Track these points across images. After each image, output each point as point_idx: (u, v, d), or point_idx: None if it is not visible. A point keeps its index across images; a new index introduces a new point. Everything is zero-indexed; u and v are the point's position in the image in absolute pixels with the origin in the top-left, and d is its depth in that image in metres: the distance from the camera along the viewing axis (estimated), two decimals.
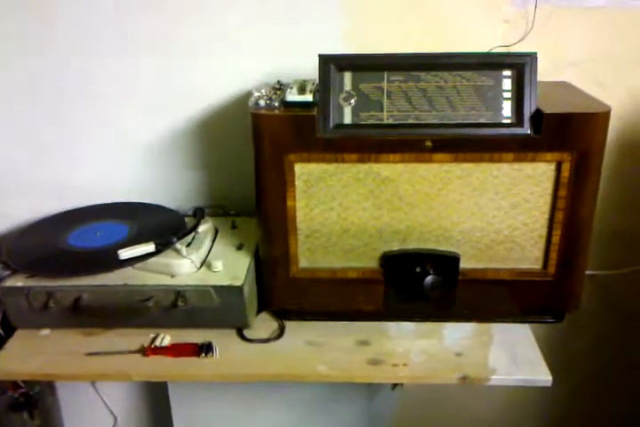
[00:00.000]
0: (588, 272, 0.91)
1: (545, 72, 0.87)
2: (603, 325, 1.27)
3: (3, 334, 0.94)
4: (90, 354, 0.89)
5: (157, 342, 0.90)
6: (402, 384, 1.20)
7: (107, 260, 0.90)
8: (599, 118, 0.80)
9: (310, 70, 0.83)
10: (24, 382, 1.02)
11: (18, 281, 0.91)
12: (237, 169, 1.08)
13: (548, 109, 0.80)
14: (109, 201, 1.10)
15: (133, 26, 1.00)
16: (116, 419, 1.35)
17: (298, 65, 0.99)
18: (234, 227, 1.05)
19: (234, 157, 1.08)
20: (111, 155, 1.10)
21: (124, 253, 0.89)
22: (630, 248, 1.17)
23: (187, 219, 1.03)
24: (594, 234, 0.88)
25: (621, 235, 1.16)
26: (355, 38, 1.00)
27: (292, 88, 0.86)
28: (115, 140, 1.09)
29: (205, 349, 0.89)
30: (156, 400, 1.33)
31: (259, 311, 0.97)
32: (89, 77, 1.04)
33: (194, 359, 0.88)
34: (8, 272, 0.92)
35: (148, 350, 0.89)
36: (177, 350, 0.89)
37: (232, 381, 0.91)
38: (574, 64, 1.01)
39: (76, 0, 0.98)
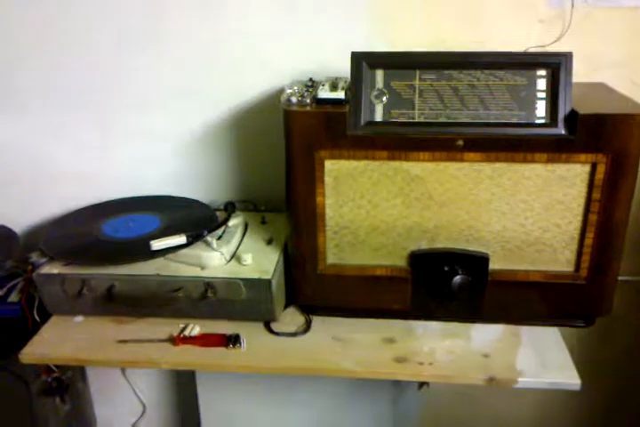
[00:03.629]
0: (621, 278, 0.90)
1: (581, 73, 0.85)
2: (635, 331, 1.24)
3: (38, 319, 0.97)
4: (121, 341, 0.91)
5: (187, 332, 0.92)
6: (428, 385, 1.20)
7: (139, 250, 0.92)
8: (636, 120, 0.78)
9: (342, 68, 0.84)
10: (57, 366, 1.05)
11: (54, 268, 0.93)
12: (268, 165, 1.09)
13: (583, 110, 0.79)
14: (143, 194, 1.13)
15: (167, 21, 1.02)
16: (144, 407, 1.38)
17: (330, 63, 0.99)
18: (263, 222, 1.06)
19: (265, 152, 1.09)
20: (146, 149, 1.12)
21: (156, 244, 0.91)
22: None
23: (218, 213, 1.04)
24: (628, 238, 0.86)
25: None
26: (387, 36, 1.00)
27: (323, 85, 0.87)
28: (150, 135, 1.11)
29: (233, 340, 0.90)
30: (184, 389, 1.35)
31: (286, 306, 0.98)
32: (123, 74, 1.06)
33: (222, 350, 0.90)
34: (45, 260, 0.95)
35: (177, 340, 0.91)
36: (205, 340, 0.91)
37: (258, 372, 0.92)
38: (611, 65, 0.99)
39: None
